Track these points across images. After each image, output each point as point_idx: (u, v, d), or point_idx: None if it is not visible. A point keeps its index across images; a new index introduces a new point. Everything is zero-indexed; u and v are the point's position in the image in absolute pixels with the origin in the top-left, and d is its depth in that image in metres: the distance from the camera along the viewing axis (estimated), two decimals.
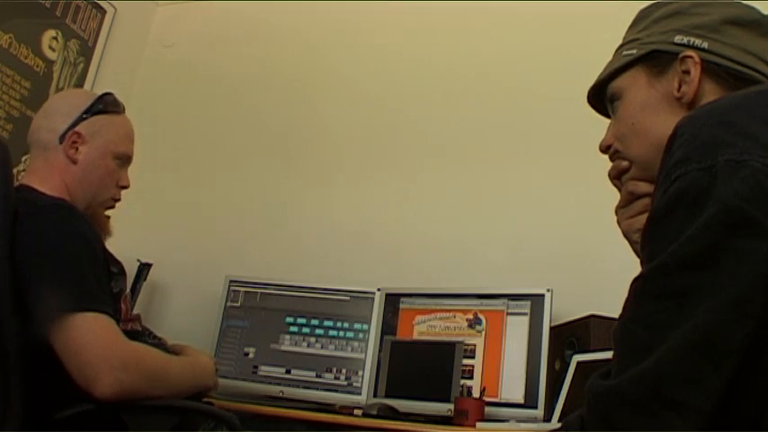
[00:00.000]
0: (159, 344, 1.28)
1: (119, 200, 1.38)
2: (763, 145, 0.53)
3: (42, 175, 1.28)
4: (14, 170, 2.17)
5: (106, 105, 1.34)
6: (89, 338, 1.03)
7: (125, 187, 1.38)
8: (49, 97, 1.45)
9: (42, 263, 1.08)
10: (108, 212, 1.41)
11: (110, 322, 1.07)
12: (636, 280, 0.56)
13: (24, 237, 1.09)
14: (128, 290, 1.28)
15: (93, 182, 1.30)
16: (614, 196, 0.82)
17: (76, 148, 1.29)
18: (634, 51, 0.77)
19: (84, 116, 1.30)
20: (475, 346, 1.74)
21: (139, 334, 1.24)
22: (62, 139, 1.28)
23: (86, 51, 2.52)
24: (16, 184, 1.20)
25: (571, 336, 1.62)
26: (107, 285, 1.15)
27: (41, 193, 1.23)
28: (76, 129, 1.29)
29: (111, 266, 1.21)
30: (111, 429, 1.10)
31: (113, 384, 1.02)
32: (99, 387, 1.01)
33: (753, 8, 0.76)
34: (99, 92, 1.40)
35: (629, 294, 0.57)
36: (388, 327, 1.89)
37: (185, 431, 1.16)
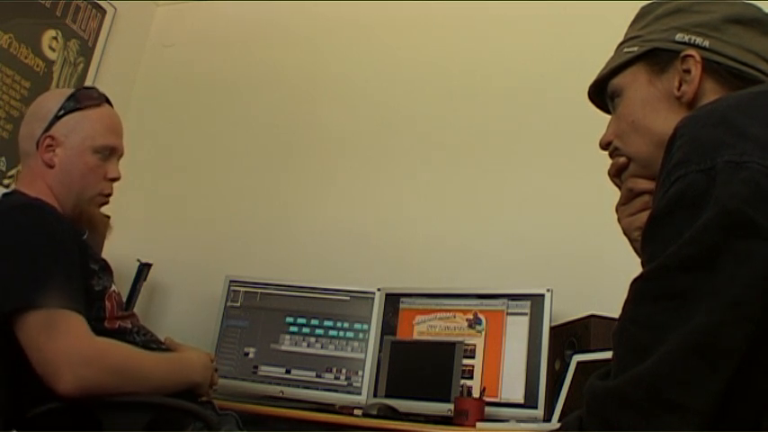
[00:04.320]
0: (151, 341, 1.26)
1: (110, 194, 1.35)
2: (762, 146, 0.52)
3: (28, 181, 1.28)
4: (15, 170, 2.18)
5: (79, 101, 1.30)
6: (49, 335, 1.03)
7: (115, 179, 1.34)
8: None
9: (5, 261, 1.09)
10: (108, 213, 1.39)
11: (73, 318, 1.06)
12: (635, 281, 0.56)
13: None
14: (113, 287, 1.26)
15: (74, 181, 1.28)
16: (614, 196, 0.81)
17: (53, 151, 1.27)
18: (635, 49, 0.77)
19: (58, 117, 1.28)
20: (475, 346, 1.73)
21: (127, 332, 1.22)
22: (38, 144, 1.27)
23: (86, 51, 2.52)
24: (9, 189, 1.20)
25: (571, 336, 1.62)
26: (80, 282, 1.14)
27: (24, 195, 1.23)
28: (49, 132, 1.27)
29: (91, 264, 1.20)
30: (86, 426, 1.09)
31: (74, 381, 1.02)
32: (60, 384, 1.01)
33: (754, 6, 0.76)
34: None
35: (629, 295, 0.57)
36: (388, 327, 1.88)
37: (162, 429, 1.14)
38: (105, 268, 1.27)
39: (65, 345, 1.03)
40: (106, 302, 1.20)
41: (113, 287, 1.25)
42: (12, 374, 1.06)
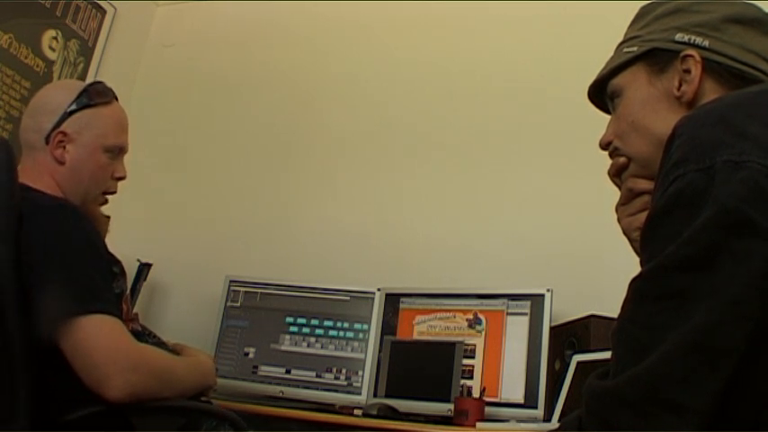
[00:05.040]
0: (160, 343, 1.27)
1: (114, 192, 1.34)
2: (761, 146, 0.52)
3: (34, 174, 1.23)
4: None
5: (92, 98, 1.27)
6: (98, 341, 1.02)
7: (121, 178, 1.33)
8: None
9: (48, 265, 1.06)
10: (108, 212, 1.39)
11: (117, 323, 1.06)
12: (634, 280, 0.56)
13: (29, 238, 1.07)
14: (128, 290, 1.26)
15: (84, 179, 1.26)
16: (614, 196, 0.81)
17: (63, 148, 1.24)
18: (635, 49, 0.77)
19: (69, 113, 1.25)
20: (475, 346, 1.73)
21: (141, 334, 1.23)
22: (48, 139, 1.24)
23: (86, 51, 2.52)
24: None
25: (571, 336, 1.62)
26: (111, 286, 1.14)
27: (41, 192, 1.20)
28: (61, 128, 1.23)
29: (113, 267, 1.20)
30: (120, 431, 1.09)
31: (124, 386, 1.01)
32: (109, 389, 1.00)
33: (754, 6, 0.76)
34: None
35: (628, 295, 0.57)
36: (388, 327, 1.88)
37: (187, 430, 1.16)
38: (122, 272, 1.26)
39: (113, 350, 1.02)
40: (123, 305, 1.21)
41: (127, 290, 1.26)
42: (46, 378, 1.05)
